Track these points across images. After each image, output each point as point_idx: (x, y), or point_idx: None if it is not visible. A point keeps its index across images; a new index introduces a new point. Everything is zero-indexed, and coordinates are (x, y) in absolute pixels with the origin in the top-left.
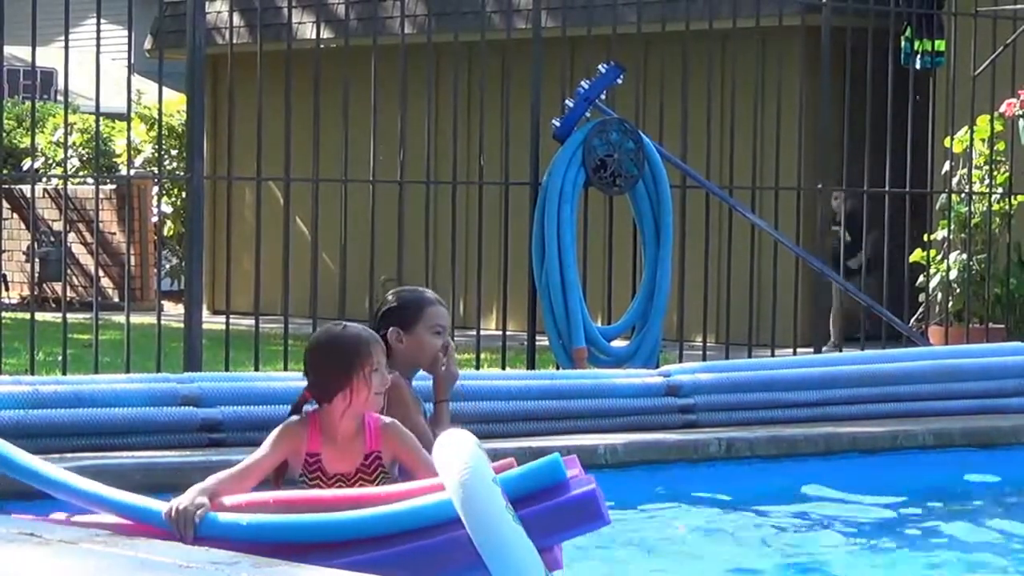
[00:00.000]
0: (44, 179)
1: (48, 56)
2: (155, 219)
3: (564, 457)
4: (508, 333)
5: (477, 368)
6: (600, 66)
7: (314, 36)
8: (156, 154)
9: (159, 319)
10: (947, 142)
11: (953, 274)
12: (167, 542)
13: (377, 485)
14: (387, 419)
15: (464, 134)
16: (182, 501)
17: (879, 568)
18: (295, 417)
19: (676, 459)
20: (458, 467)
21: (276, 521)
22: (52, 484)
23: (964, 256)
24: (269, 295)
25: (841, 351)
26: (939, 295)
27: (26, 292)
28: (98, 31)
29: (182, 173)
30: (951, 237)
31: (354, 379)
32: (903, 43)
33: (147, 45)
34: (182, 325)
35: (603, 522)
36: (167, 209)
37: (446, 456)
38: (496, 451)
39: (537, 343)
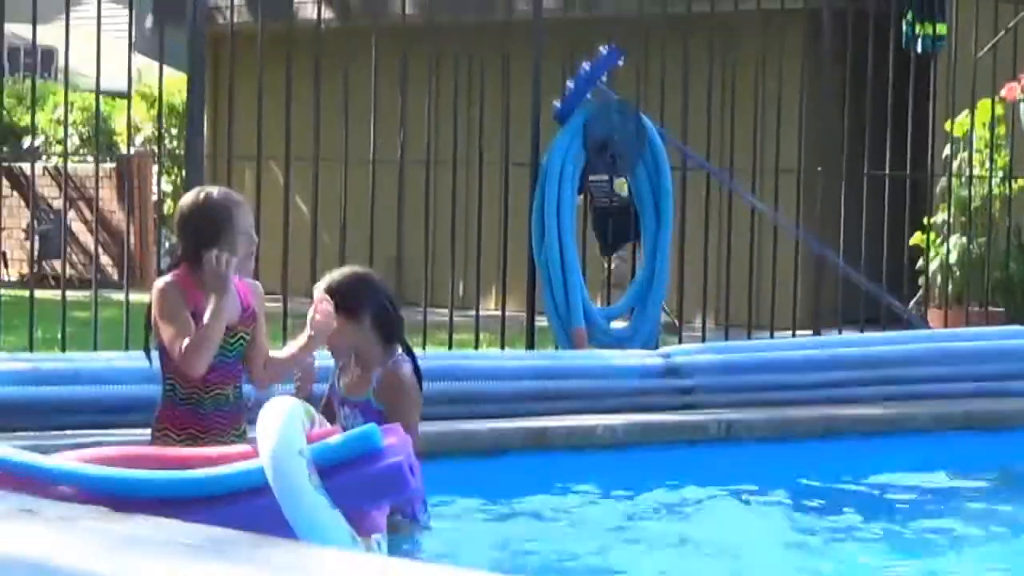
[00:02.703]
0: (44, 157)
1: (48, 34)
2: (155, 197)
3: (386, 426)
4: (508, 313)
5: (476, 348)
6: (601, 48)
7: (315, 16)
8: (156, 132)
9: None
10: (948, 126)
11: (953, 258)
12: (165, 519)
13: (249, 337)
14: (254, 282)
15: (465, 115)
16: None
17: (877, 550)
18: (165, 280)
19: (675, 440)
20: (267, 438)
21: (104, 473)
22: None
23: (964, 240)
24: (269, 274)
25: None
26: (939, 278)
27: (26, 270)
28: (99, 9)
29: (182, 151)
30: (951, 220)
31: (221, 240)
32: (904, 26)
33: (148, 23)
34: None
35: (410, 492)
36: (167, 187)
37: (261, 425)
38: (495, 431)
39: (537, 323)
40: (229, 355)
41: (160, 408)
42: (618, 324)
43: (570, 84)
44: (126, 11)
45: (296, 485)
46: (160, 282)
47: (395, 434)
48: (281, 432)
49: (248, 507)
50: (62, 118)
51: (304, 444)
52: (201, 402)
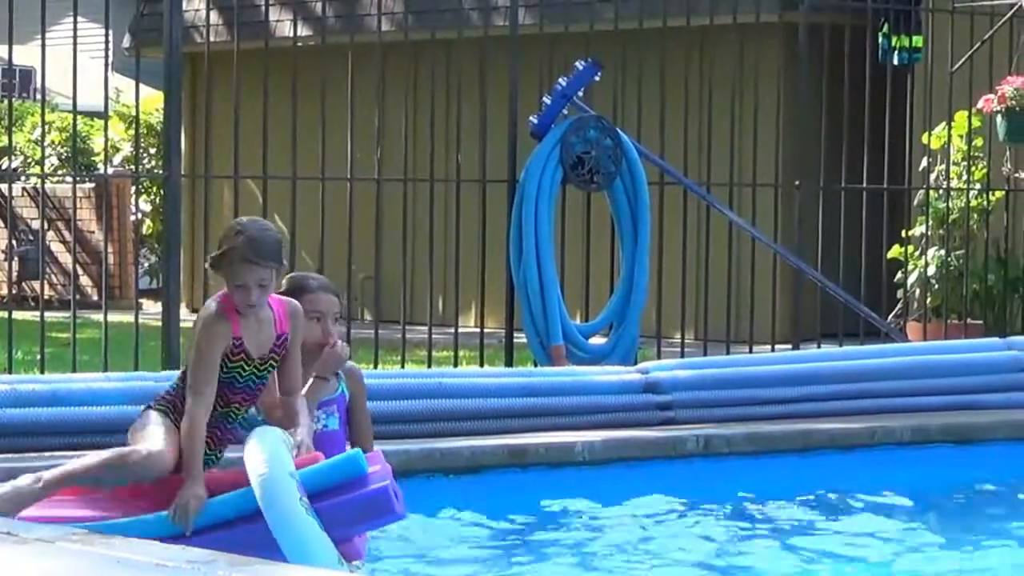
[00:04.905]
0: (23, 178)
1: (26, 55)
2: (134, 217)
3: (367, 453)
4: (486, 330)
5: (455, 366)
6: (577, 63)
7: (291, 34)
8: (134, 152)
9: (137, 318)
10: (925, 138)
11: (931, 270)
12: (144, 541)
13: (279, 360)
14: (292, 302)
15: (442, 132)
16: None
17: (856, 564)
18: (211, 309)
19: (654, 456)
20: (259, 462)
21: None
22: None
23: (942, 252)
24: None
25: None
26: (917, 291)
27: (4, 291)
28: (75, 29)
29: (160, 171)
30: (929, 233)
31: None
32: (880, 40)
33: (125, 43)
34: (160, 324)
35: (395, 517)
36: (146, 207)
37: (251, 451)
38: (474, 449)
39: (515, 340)
40: (256, 381)
41: None
42: (596, 340)
43: (546, 100)
44: (103, 31)
45: (287, 506)
46: (206, 310)
47: (377, 461)
48: (271, 457)
49: (240, 530)
50: (40, 139)
51: (293, 467)
52: (226, 417)
